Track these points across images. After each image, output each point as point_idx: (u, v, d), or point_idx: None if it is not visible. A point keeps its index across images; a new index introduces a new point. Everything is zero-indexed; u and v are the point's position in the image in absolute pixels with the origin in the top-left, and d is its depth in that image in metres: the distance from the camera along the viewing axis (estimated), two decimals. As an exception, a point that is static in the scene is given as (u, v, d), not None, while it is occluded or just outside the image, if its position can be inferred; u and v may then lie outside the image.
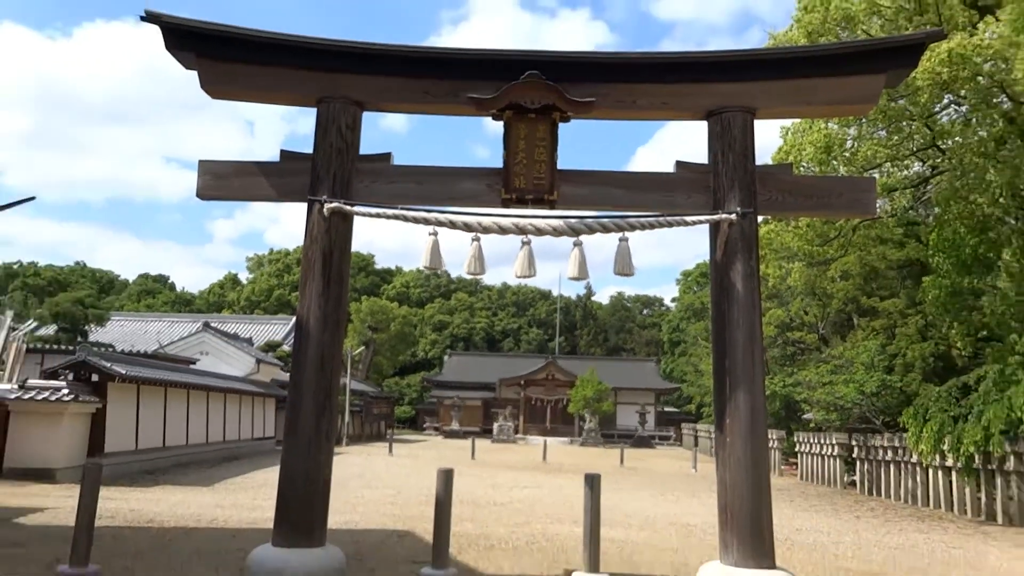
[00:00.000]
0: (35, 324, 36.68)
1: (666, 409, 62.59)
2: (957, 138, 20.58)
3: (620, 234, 8.12)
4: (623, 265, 8.19)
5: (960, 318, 22.49)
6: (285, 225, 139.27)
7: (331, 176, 8.33)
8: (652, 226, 8.05)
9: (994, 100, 19.16)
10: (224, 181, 8.67)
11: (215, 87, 8.70)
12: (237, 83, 8.70)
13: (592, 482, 8.21)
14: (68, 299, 33.10)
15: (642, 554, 10.60)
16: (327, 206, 8.18)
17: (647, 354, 73.66)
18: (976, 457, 17.62)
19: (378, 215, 8.18)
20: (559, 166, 8.34)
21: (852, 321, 35.54)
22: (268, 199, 8.69)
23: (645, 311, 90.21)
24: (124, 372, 18.72)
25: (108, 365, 18.58)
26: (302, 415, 8.07)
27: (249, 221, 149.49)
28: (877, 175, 22.90)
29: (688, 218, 8.12)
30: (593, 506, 8.10)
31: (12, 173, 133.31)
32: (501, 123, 8.33)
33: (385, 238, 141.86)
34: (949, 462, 18.79)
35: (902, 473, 21.90)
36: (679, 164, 8.53)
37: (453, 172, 8.60)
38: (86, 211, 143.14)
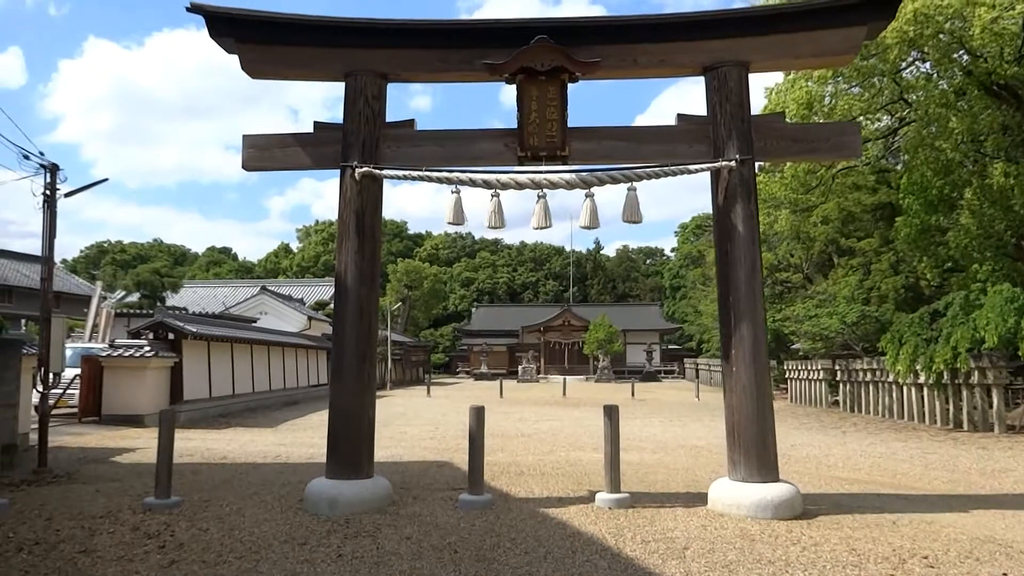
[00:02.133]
0: (123, 294, 36.74)
1: (670, 347, 62.20)
2: (920, 92, 19.84)
3: (628, 184, 7.67)
4: (631, 213, 7.75)
5: (929, 252, 21.89)
6: (329, 199, 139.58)
7: (360, 143, 7.92)
8: (658, 175, 7.59)
9: (954, 55, 18.35)
10: (266, 152, 8.28)
11: (254, 67, 8.28)
12: (272, 63, 8.28)
13: (611, 412, 7.88)
14: (147, 270, 33.03)
15: (656, 474, 10.30)
16: (358, 170, 7.79)
17: (651, 299, 73.08)
18: (945, 374, 17.26)
19: (404, 177, 7.78)
20: (569, 124, 7.88)
21: (832, 261, 34.86)
22: (305, 167, 8.28)
23: (648, 261, 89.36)
24: (195, 330, 18.59)
25: (182, 325, 18.44)
26: (345, 362, 7.77)
27: (298, 197, 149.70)
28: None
29: (691, 167, 7.66)
30: (612, 434, 7.78)
31: (100, 166, 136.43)
32: (514, 87, 7.88)
33: (415, 206, 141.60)
34: (921, 379, 18.42)
35: (880, 391, 21.52)
36: (680, 117, 8.03)
37: (472, 134, 8.15)
38: (162, 195, 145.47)
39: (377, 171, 7.83)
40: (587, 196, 7.72)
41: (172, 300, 35.07)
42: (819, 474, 10.64)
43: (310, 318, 34.28)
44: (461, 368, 62.00)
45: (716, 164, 7.64)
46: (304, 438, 15.14)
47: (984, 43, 15.58)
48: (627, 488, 8.05)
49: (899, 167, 28.61)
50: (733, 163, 7.57)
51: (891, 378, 20.33)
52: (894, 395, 20.56)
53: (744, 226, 7.60)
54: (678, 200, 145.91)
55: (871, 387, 22.24)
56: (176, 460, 11.93)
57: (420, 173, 7.73)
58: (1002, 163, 17.49)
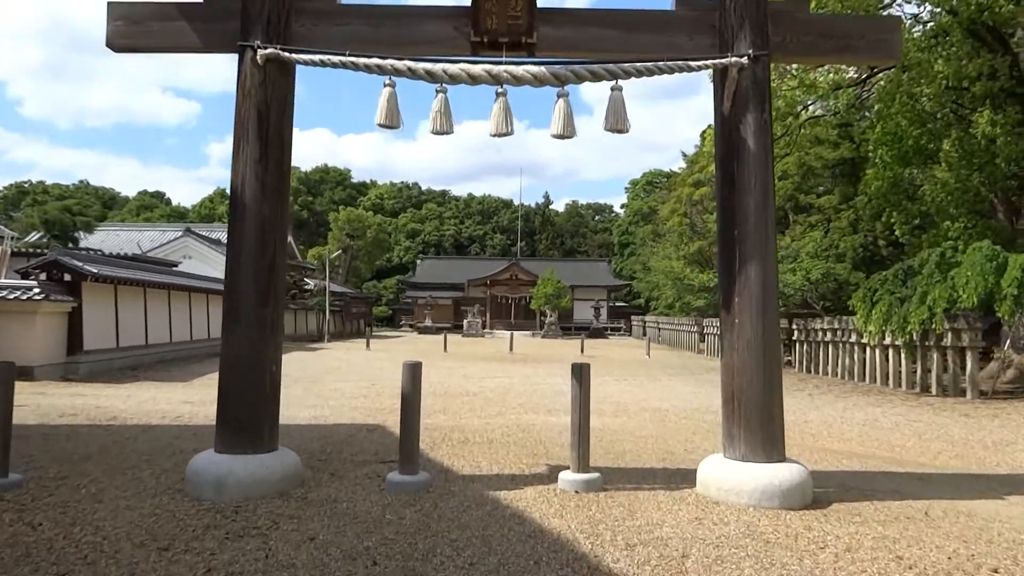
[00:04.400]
0: (38, 234, 33.57)
1: (617, 304, 61.44)
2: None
3: (613, 82, 5.96)
4: (616, 119, 6.05)
5: (899, 207, 20.83)
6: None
7: (265, 17, 6.01)
8: (651, 72, 5.89)
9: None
10: (140, 27, 6.28)
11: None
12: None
13: (581, 373, 6.25)
14: (56, 207, 30.01)
15: (623, 443, 8.84)
16: (261, 52, 5.90)
17: (600, 256, 72.05)
18: (914, 335, 16.30)
19: (322, 63, 5.91)
20: (538, 4, 6.11)
21: (787, 218, 33.94)
22: (193, 49, 6.32)
23: (597, 217, 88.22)
24: (96, 271, 16.31)
25: (79, 264, 16.15)
26: (242, 302, 5.98)
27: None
28: (827, 71, 20.86)
29: (692, 63, 5.98)
30: (582, 399, 6.19)
31: (29, 104, 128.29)
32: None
33: (361, 156, 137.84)
34: (888, 340, 17.44)
35: (840, 352, 20.59)
36: (680, 1, 6.33)
37: (414, 13, 6.29)
38: (96, 137, 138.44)
39: (286, 54, 5.96)
40: (559, 96, 6.00)
41: (88, 242, 32.19)
42: (805, 445, 9.34)
43: (240, 264, 31.66)
44: (404, 321, 60.16)
45: (724, 60, 5.99)
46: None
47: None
48: (592, 461, 6.52)
49: (862, 122, 27.62)
50: (745, 60, 5.94)
51: (853, 339, 19.44)
52: (855, 356, 19.64)
53: (756, 141, 6.01)
54: (628, 157, 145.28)
55: (830, 348, 21.32)
56: (54, 422, 10.04)
57: (343, 59, 5.89)
58: (988, 111, 16.33)
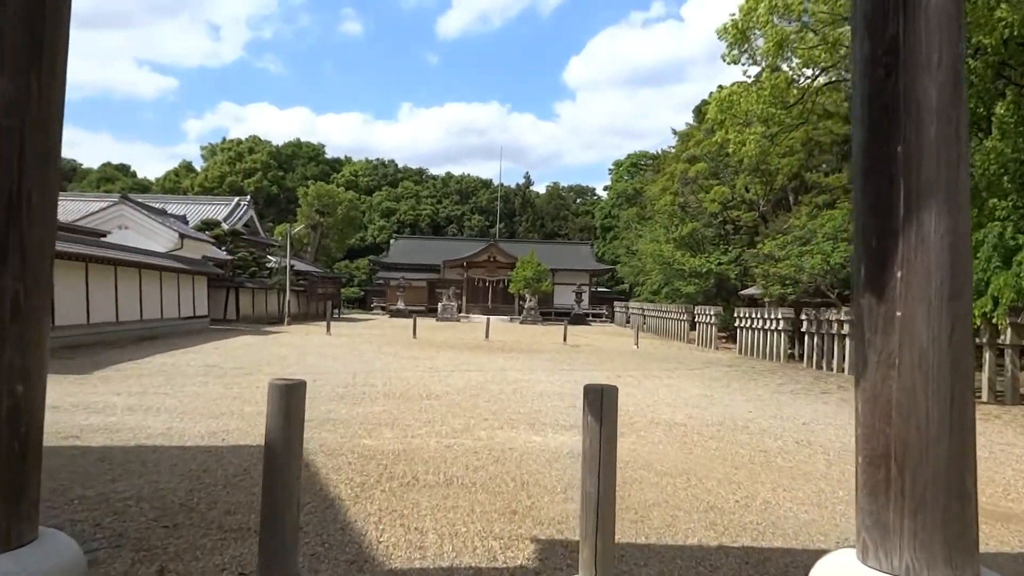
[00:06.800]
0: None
1: (598, 289, 58.86)
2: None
3: None
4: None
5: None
6: (251, 124, 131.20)
7: None
8: None
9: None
10: None
11: None
12: None
13: (601, 405, 3.41)
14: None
15: (642, 486, 6.07)
16: None
17: (581, 239, 69.35)
18: (963, 331, 13.75)
19: None
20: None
21: (788, 199, 31.35)
22: None
23: (579, 200, 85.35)
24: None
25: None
26: (-53, 263, 3.07)
27: (216, 120, 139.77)
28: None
29: None
30: (603, 456, 3.36)
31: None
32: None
33: (340, 135, 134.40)
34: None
35: (860, 348, 18.04)
36: None
37: None
38: (67, 111, 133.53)
39: None
40: None
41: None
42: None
43: (182, 236, 28.33)
44: (376, 303, 57.18)
45: None
46: (108, 393, 10.33)
47: None
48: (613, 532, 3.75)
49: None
50: None
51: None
52: (880, 352, 17.10)
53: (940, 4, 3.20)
54: (607, 144, 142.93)
55: (847, 341, 18.81)
56: None
57: None
58: (1059, 66, 13.74)
